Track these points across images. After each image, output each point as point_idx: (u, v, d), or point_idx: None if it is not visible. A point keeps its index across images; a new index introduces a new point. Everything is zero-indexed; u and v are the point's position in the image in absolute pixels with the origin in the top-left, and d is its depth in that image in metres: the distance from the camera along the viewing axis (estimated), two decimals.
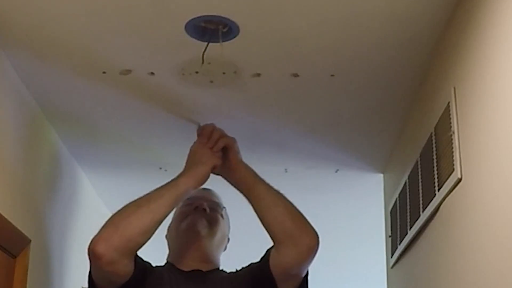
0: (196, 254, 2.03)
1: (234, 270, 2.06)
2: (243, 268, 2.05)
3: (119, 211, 1.86)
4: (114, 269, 1.79)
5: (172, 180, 1.92)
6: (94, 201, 3.16)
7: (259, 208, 1.92)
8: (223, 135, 2.02)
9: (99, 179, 2.99)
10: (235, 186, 2.01)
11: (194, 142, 2.06)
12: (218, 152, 1.99)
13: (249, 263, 2.05)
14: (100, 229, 1.81)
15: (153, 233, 1.85)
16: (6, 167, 1.96)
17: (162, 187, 1.90)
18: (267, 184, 1.96)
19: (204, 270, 2.01)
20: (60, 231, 2.54)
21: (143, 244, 1.84)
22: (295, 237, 1.85)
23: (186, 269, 2.00)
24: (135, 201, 1.86)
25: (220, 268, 2.08)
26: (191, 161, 1.98)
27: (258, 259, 2.02)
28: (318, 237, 1.88)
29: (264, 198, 1.92)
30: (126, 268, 1.81)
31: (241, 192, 1.98)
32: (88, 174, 2.92)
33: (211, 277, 2.00)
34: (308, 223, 1.89)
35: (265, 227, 1.91)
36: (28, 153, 2.17)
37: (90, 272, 1.87)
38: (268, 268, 1.90)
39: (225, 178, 2.03)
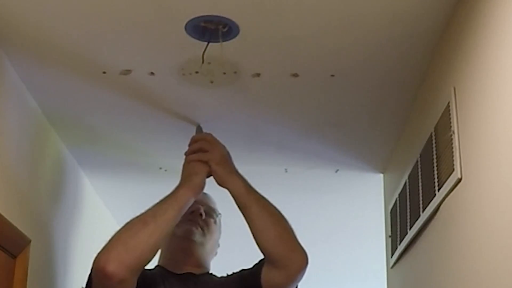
0: (189, 259, 2.05)
1: (225, 275, 2.07)
2: (234, 273, 2.07)
3: (125, 228, 1.83)
4: (124, 287, 1.78)
5: (171, 194, 1.92)
6: (94, 201, 3.16)
7: (251, 228, 1.93)
8: (202, 149, 2.01)
9: (100, 179, 2.99)
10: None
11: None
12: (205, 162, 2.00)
13: (240, 269, 2.07)
14: (107, 247, 1.78)
15: (160, 247, 1.86)
16: (7, 168, 1.96)
17: (163, 201, 1.90)
18: (261, 203, 1.94)
19: (196, 273, 2.03)
20: (60, 231, 2.54)
21: (152, 259, 1.84)
22: (285, 260, 1.90)
23: (178, 272, 2.01)
24: (139, 217, 1.85)
25: (210, 272, 2.10)
26: (186, 173, 2.00)
27: (249, 266, 2.04)
28: (307, 258, 1.91)
29: (256, 221, 1.92)
30: (134, 284, 1.81)
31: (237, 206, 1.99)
32: (88, 175, 2.92)
33: (203, 280, 2.03)
34: (299, 244, 1.92)
35: (257, 245, 1.94)
36: (29, 154, 2.17)
37: (90, 285, 1.85)
38: (259, 283, 1.95)
39: None
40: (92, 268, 1.80)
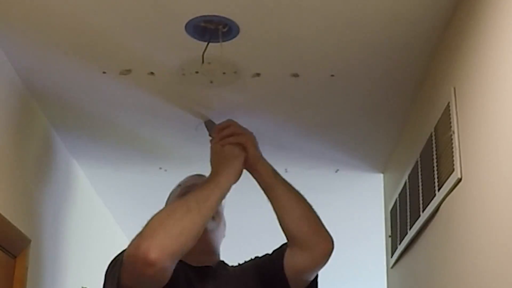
0: (203, 247, 1.97)
1: (236, 264, 2.04)
2: (246, 262, 2.04)
3: (166, 214, 1.75)
4: (164, 275, 1.70)
5: (212, 179, 1.85)
6: (94, 201, 3.16)
7: (277, 209, 1.91)
8: (236, 132, 1.96)
9: (99, 179, 2.99)
10: (257, 183, 1.98)
11: (211, 141, 2.01)
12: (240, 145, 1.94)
13: (251, 258, 2.05)
14: (147, 233, 1.68)
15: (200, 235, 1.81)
16: (6, 168, 1.96)
17: (205, 187, 1.83)
18: (287, 185, 1.93)
19: (212, 265, 1.99)
20: (60, 231, 2.54)
21: (191, 247, 1.78)
22: (310, 243, 1.87)
23: (195, 264, 1.97)
24: (181, 203, 1.78)
25: (222, 260, 2.06)
26: (222, 158, 1.92)
27: (264, 253, 2.02)
28: (333, 242, 1.89)
29: (282, 200, 1.90)
30: (171, 273, 1.73)
31: (262, 189, 1.96)
32: (88, 174, 2.92)
33: (219, 273, 1.99)
34: (324, 228, 1.90)
35: (282, 228, 1.91)
36: (29, 154, 2.17)
37: (119, 276, 1.73)
38: (282, 268, 1.91)
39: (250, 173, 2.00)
40: (127, 255, 1.70)
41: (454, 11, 1.65)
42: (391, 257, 2.54)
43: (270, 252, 2.02)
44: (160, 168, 2.79)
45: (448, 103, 1.66)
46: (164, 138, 2.50)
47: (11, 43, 1.86)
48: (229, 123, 2.01)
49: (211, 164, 1.93)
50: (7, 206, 1.93)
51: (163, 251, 1.65)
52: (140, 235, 1.69)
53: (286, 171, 2.79)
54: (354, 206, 3.27)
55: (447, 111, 1.67)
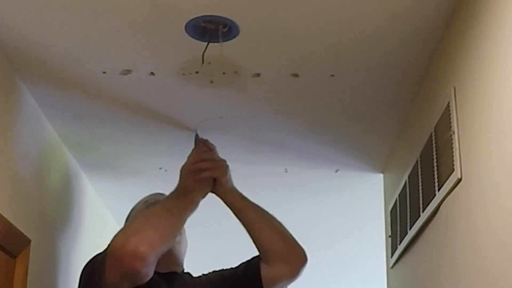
0: (171, 258, 2.04)
1: (200, 275, 2.11)
2: (210, 273, 2.13)
3: (150, 214, 1.86)
4: (149, 271, 1.76)
5: (184, 196, 1.94)
6: (93, 200, 3.16)
7: (249, 230, 2.02)
8: (212, 167, 2.02)
9: (100, 179, 2.99)
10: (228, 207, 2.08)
11: (188, 157, 2.07)
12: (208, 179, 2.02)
13: (214, 270, 2.13)
14: (133, 229, 1.76)
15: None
16: (7, 167, 1.96)
17: (178, 199, 1.92)
18: (255, 207, 2.03)
19: (178, 272, 2.05)
20: (60, 231, 2.54)
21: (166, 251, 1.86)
22: (286, 257, 2.00)
23: (163, 271, 2.00)
24: (163, 207, 1.89)
25: (187, 271, 2.13)
26: (192, 184, 1.98)
27: (231, 266, 2.09)
28: (306, 254, 2.02)
29: (253, 222, 2.01)
30: (153, 271, 1.79)
31: (233, 213, 2.05)
32: (88, 175, 2.92)
33: (185, 279, 2.06)
34: (297, 242, 2.03)
35: (256, 246, 2.02)
36: (28, 153, 2.17)
37: (104, 274, 1.77)
38: (259, 280, 2.01)
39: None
40: (114, 250, 1.74)
41: (454, 11, 1.65)
42: (391, 257, 2.54)
43: (234, 265, 2.10)
44: (160, 168, 2.79)
45: (448, 103, 1.66)
46: (164, 138, 2.50)
47: (11, 44, 1.86)
48: (206, 156, 2.04)
49: (180, 176, 2.00)
50: (7, 206, 1.93)
51: (151, 246, 1.72)
52: (125, 232, 1.76)
53: (286, 171, 2.79)
54: (354, 206, 3.27)
55: (447, 111, 1.67)
